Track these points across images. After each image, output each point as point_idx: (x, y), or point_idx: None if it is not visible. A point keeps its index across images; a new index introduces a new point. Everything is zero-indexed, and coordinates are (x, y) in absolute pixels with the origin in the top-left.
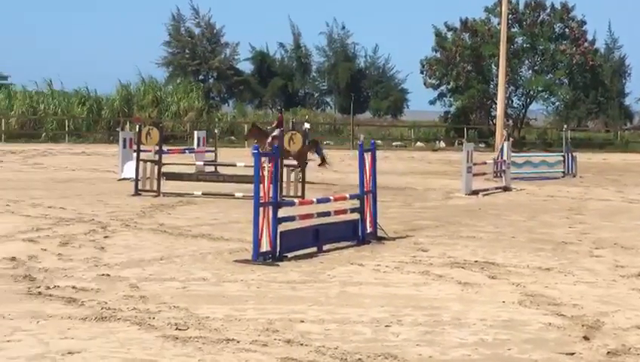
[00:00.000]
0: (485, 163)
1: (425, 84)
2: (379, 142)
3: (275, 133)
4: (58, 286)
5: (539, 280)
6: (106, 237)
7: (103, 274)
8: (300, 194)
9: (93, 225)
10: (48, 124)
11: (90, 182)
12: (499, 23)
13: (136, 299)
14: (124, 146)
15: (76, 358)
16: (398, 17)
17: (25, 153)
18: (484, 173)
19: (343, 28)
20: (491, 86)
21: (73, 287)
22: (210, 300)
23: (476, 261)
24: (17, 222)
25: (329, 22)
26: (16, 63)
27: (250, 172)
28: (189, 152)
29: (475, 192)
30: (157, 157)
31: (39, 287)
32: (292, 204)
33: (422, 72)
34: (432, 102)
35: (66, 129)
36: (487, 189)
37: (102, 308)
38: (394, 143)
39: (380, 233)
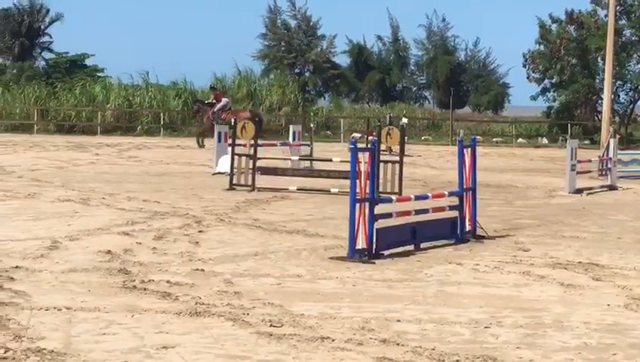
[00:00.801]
0: (590, 160)
1: (528, 78)
2: (479, 137)
3: (218, 106)
4: (153, 280)
5: None
6: (200, 231)
7: (197, 269)
8: (397, 190)
9: (188, 219)
10: (144, 117)
11: (185, 176)
12: (606, 15)
13: (230, 294)
14: (219, 140)
15: (171, 353)
16: (500, 9)
17: (120, 146)
18: (588, 171)
19: (443, 20)
20: (597, 80)
21: (168, 281)
22: (305, 297)
23: (580, 262)
24: (113, 215)
25: (429, 14)
26: (112, 56)
27: (347, 167)
28: (284, 146)
29: (579, 191)
30: (252, 152)
31: (134, 281)
32: (389, 200)
33: (524, 66)
34: (534, 98)
35: (161, 122)
36: (592, 188)
37: (196, 303)
38: (494, 139)
39: (479, 232)
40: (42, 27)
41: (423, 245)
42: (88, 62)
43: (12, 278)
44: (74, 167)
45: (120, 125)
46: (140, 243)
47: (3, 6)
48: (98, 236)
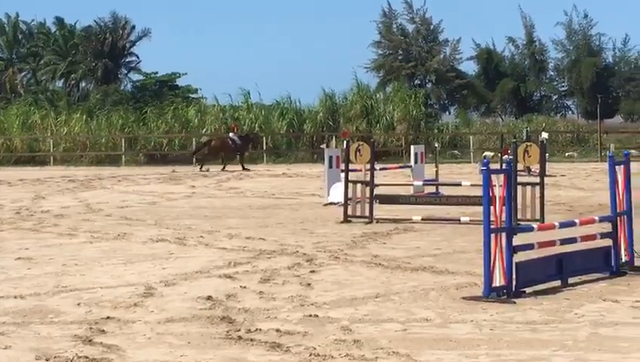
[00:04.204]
0: None
1: None
2: (633, 152)
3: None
4: (260, 329)
5: None
6: (312, 271)
7: (311, 315)
8: (538, 217)
9: (298, 257)
10: None
11: (293, 208)
12: None
13: (349, 343)
14: (330, 166)
15: None
16: None
17: (219, 176)
18: None
19: (586, 17)
20: None
21: (277, 330)
22: (435, 344)
23: None
24: (213, 256)
25: (568, 10)
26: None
27: (478, 192)
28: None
29: None
30: (368, 178)
31: (239, 330)
32: (530, 229)
33: None
34: None
35: (264, 147)
36: None
37: (310, 354)
38: None
39: (637, 262)
40: (127, 45)
41: (570, 280)
42: (180, 82)
43: (103, 331)
44: (167, 201)
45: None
46: (244, 287)
47: (84, 24)
48: (197, 280)
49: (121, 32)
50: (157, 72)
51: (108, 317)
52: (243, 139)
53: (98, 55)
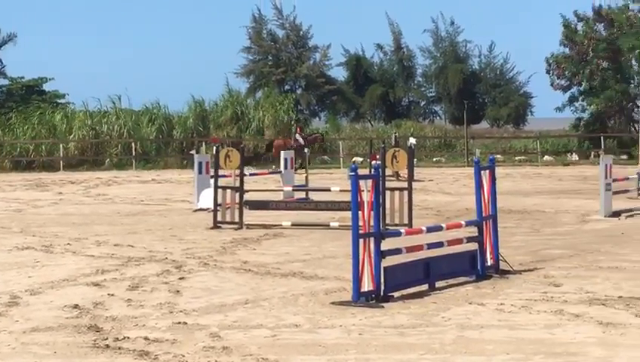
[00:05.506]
0: (628, 178)
1: (552, 85)
2: (499, 156)
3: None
4: (128, 338)
5: None
6: (181, 278)
7: (180, 322)
8: (406, 222)
9: (167, 264)
10: (113, 148)
11: (162, 215)
12: None
13: (218, 350)
14: (200, 172)
15: None
16: (517, 8)
17: (87, 183)
18: (626, 191)
19: (452, 24)
20: (632, 85)
21: (145, 338)
22: (305, 350)
23: (620, 296)
24: (80, 263)
25: (434, 17)
26: (76, 80)
27: (348, 197)
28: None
29: (617, 214)
30: (238, 184)
31: (106, 339)
32: (398, 234)
33: (548, 72)
34: (560, 109)
35: (133, 153)
36: (631, 210)
37: None
38: (517, 158)
39: (502, 266)
40: None
41: (438, 284)
42: (47, 87)
43: None
44: (34, 209)
45: (86, 158)
46: (112, 295)
47: None
48: (63, 288)
49: None
50: (23, 77)
51: None
52: (307, 140)
53: None
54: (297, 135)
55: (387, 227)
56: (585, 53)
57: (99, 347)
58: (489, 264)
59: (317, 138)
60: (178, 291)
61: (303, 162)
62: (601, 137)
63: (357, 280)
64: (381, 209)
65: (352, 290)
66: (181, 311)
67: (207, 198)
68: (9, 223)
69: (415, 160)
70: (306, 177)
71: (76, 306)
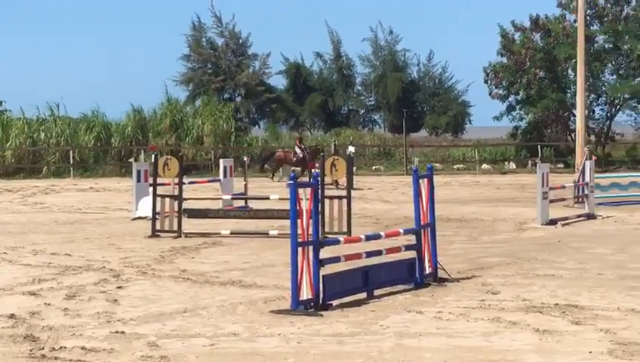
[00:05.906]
0: (564, 187)
1: (490, 94)
2: (437, 165)
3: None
4: (65, 347)
5: (632, 325)
6: (119, 287)
7: (117, 332)
8: (345, 230)
9: (105, 273)
10: (50, 156)
11: (100, 223)
12: (575, 21)
13: (155, 359)
14: (139, 180)
15: None
16: (455, 17)
17: (24, 191)
18: (562, 199)
19: (391, 33)
20: (569, 95)
21: (82, 348)
22: (243, 359)
23: (556, 304)
24: (16, 272)
25: (373, 26)
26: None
27: (286, 205)
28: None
29: (553, 222)
30: (177, 192)
31: (43, 349)
32: (336, 242)
33: (486, 81)
34: (498, 118)
35: (71, 161)
36: (568, 218)
37: None
38: (455, 166)
39: (440, 274)
40: None
41: (376, 292)
42: None
43: None
44: None
45: (23, 166)
46: (48, 305)
47: None
48: (0, 298)
49: None
50: None
51: None
52: (309, 153)
53: None
54: (297, 147)
55: (326, 235)
56: (522, 62)
57: (35, 357)
58: (427, 272)
59: (318, 150)
60: (116, 300)
61: (307, 173)
62: (539, 146)
63: (296, 288)
64: (320, 217)
65: (291, 299)
66: (119, 321)
67: (145, 207)
68: None
69: (354, 168)
70: (245, 185)
71: (12, 316)
